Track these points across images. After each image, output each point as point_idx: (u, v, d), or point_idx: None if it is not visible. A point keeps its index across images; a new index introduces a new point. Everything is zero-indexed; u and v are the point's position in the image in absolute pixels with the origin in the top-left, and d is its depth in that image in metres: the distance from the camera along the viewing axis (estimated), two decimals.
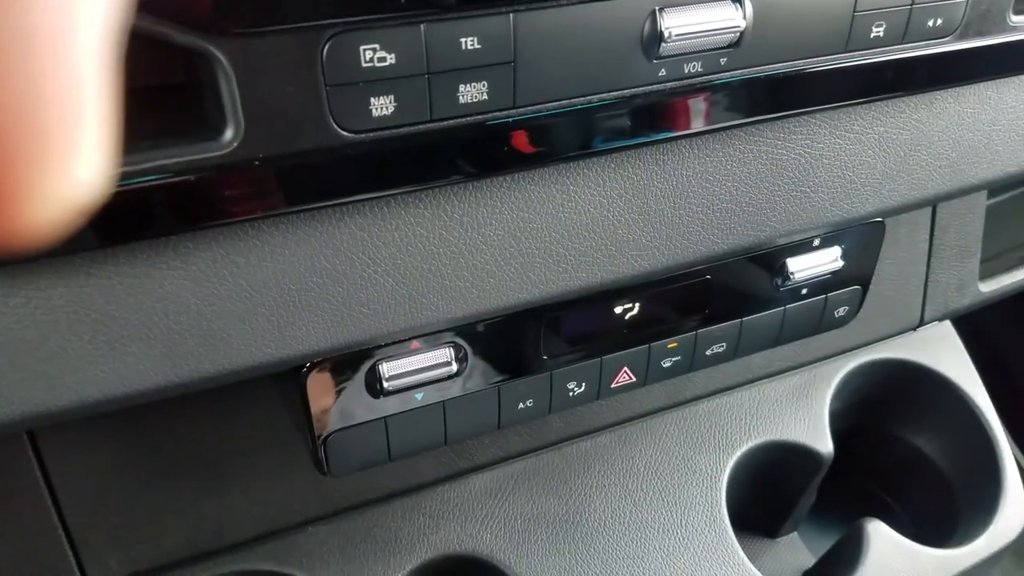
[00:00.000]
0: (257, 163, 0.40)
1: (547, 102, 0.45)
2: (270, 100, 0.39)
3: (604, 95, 0.46)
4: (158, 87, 0.43)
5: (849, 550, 0.83)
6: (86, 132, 0.17)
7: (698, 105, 0.50)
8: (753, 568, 0.77)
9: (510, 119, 0.44)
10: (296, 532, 0.72)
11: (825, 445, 0.86)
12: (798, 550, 0.98)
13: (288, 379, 0.56)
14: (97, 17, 0.16)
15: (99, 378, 0.45)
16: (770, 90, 0.51)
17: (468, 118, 0.43)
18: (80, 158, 0.17)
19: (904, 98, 0.59)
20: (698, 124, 0.50)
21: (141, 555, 0.66)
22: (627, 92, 0.47)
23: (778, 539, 0.98)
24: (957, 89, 0.61)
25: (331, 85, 0.39)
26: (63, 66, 0.16)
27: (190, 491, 0.66)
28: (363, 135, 0.41)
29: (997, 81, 0.63)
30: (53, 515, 0.61)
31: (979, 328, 1.12)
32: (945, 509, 0.96)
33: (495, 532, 0.74)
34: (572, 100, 0.45)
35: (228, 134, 0.39)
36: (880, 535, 0.83)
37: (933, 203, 0.79)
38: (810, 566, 0.93)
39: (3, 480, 0.60)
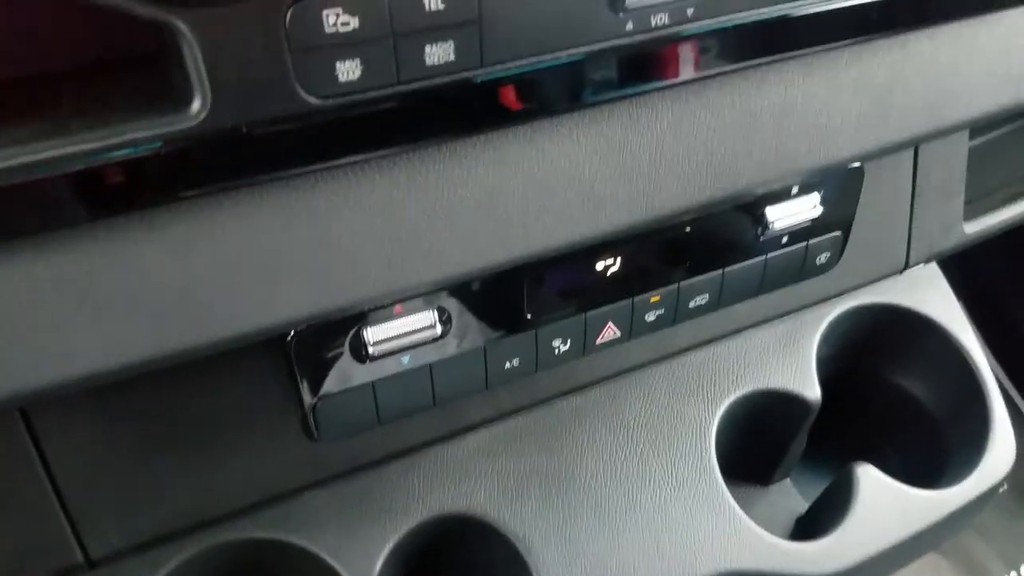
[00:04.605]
0: (227, 132, 0.40)
1: (515, 60, 0.45)
2: (236, 69, 0.39)
3: (572, 51, 0.46)
4: (127, 59, 0.43)
5: (840, 494, 0.84)
6: None
7: (667, 57, 0.49)
8: (743, 514, 0.78)
9: (478, 78, 0.44)
10: (292, 499, 0.72)
11: (813, 391, 0.87)
12: (791, 496, 0.99)
13: (274, 347, 0.56)
14: None
15: (84, 353, 0.45)
16: (739, 39, 0.51)
17: (436, 79, 0.43)
18: None
19: (877, 40, 0.59)
20: (669, 76, 0.50)
21: (140, 527, 0.67)
22: (595, 47, 0.46)
23: (771, 486, 0.99)
24: (931, 29, 0.61)
25: (296, 51, 0.39)
26: None
27: (185, 462, 0.67)
28: (331, 100, 0.41)
29: (972, 19, 0.62)
30: (50, 491, 0.62)
31: (969, 264, 1.12)
32: (934, 450, 0.97)
33: (488, 490, 0.75)
34: (540, 57, 0.45)
35: (195, 105, 0.39)
36: (870, 478, 0.84)
37: (913, 145, 0.79)
38: (803, 511, 0.95)
39: None
